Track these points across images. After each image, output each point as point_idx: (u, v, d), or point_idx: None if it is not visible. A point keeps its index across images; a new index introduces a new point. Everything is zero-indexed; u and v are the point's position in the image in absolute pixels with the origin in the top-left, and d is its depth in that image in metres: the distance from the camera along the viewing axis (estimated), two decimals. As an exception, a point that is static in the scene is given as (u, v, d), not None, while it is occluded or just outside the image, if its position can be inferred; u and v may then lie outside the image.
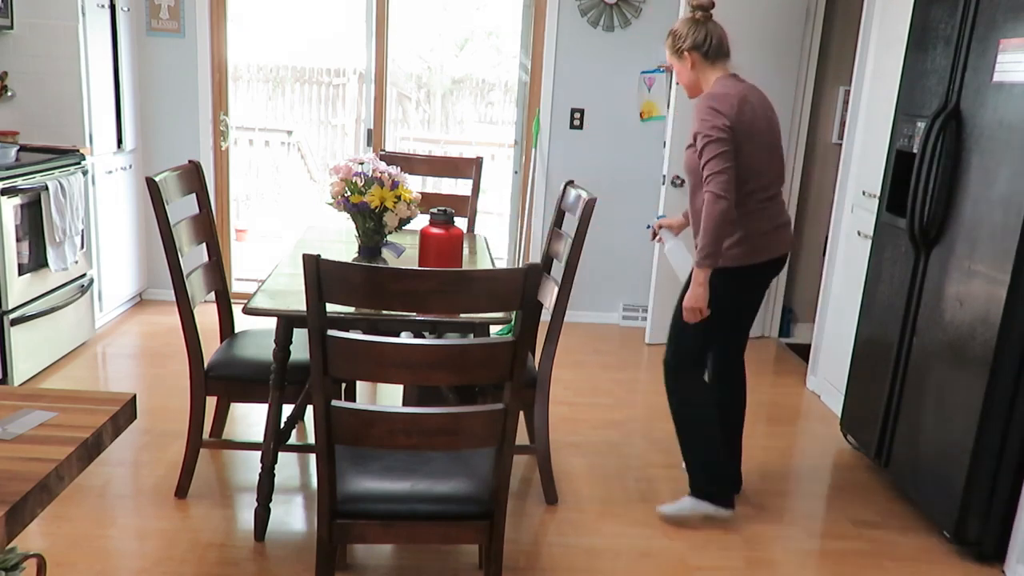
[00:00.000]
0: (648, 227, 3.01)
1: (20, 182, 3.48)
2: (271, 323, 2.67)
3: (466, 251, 3.17)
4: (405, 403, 2.69)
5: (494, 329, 3.63)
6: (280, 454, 2.84)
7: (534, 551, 2.62)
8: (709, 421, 2.79)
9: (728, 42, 2.74)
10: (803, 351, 4.62)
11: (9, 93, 4.05)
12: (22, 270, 3.54)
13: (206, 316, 2.98)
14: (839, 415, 3.62)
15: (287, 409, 2.96)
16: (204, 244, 2.89)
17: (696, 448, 2.81)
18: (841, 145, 4.13)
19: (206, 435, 2.98)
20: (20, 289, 3.54)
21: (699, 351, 2.78)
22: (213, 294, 2.91)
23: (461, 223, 2.94)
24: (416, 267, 2.65)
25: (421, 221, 3.03)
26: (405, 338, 1.82)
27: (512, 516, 2.77)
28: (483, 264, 3.06)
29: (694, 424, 2.79)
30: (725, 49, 2.73)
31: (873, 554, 2.73)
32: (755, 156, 2.61)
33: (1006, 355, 2.54)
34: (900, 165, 3.15)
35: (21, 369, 3.57)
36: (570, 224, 2.80)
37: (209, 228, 2.89)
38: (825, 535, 2.85)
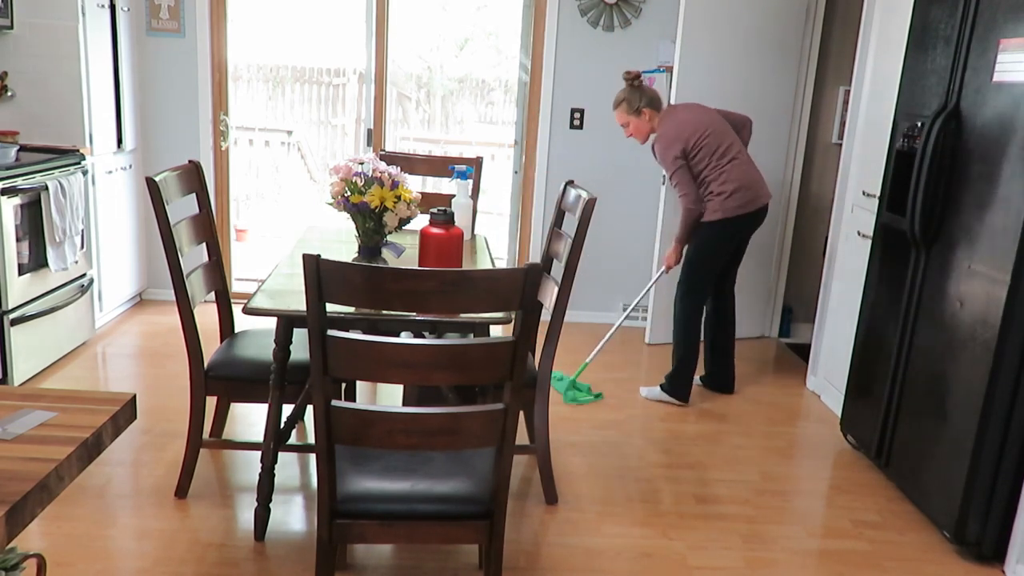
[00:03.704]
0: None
1: (20, 182, 3.48)
2: (271, 323, 2.67)
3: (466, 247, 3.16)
4: (405, 403, 2.69)
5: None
6: (280, 454, 2.84)
7: (534, 551, 2.62)
8: (694, 342, 3.78)
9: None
10: (803, 351, 4.62)
11: (9, 93, 4.05)
12: (22, 270, 3.54)
13: (206, 316, 2.98)
14: (839, 415, 3.62)
15: (287, 409, 2.96)
16: (204, 244, 2.89)
17: (681, 358, 3.79)
18: (841, 145, 4.13)
19: (206, 435, 2.98)
20: (20, 289, 3.54)
21: (700, 287, 3.76)
22: (213, 294, 2.91)
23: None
24: (416, 267, 2.65)
25: (421, 221, 3.03)
26: (405, 338, 1.82)
27: (512, 516, 2.77)
28: (483, 264, 3.06)
29: (684, 340, 3.77)
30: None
31: (873, 554, 2.73)
32: None
33: (1006, 355, 2.54)
34: (900, 165, 3.15)
35: (21, 369, 3.57)
36: (570, 224, 2.80)
37: (209, 228, 2.89)
38: (825, 535, 2.85)
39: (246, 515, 2.71)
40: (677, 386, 3.82)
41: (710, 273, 3.75)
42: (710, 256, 3.71)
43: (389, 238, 2.80)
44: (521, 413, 2.96)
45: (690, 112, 3.71)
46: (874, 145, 3.62)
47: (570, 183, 3.06)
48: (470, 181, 3.38)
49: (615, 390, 4.01)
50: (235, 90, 6.77)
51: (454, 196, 3.32)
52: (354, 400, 3.14)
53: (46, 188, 3.60)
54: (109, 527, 2.60)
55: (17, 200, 3.47)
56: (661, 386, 3.86)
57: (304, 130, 8.32)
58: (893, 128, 3.25)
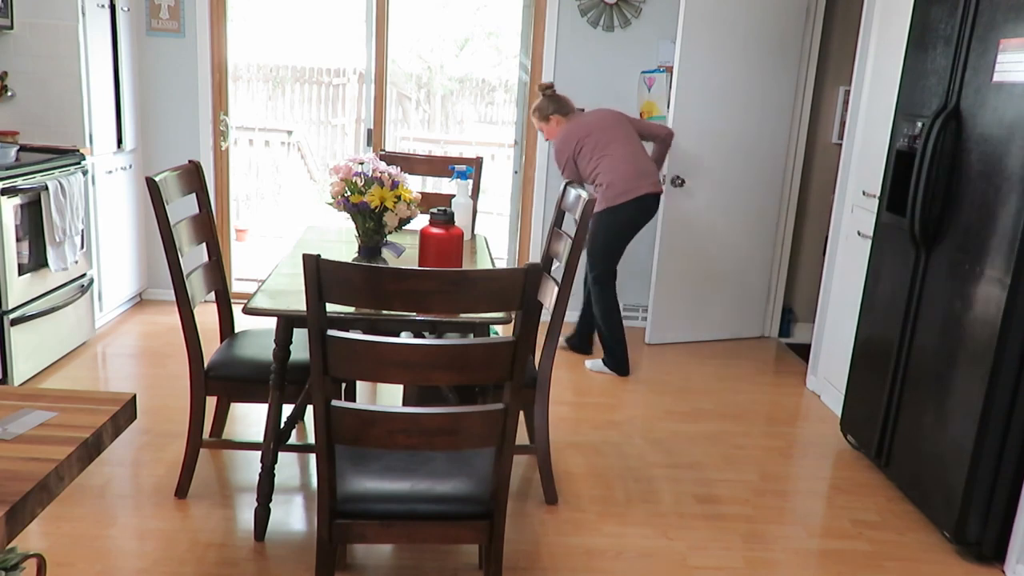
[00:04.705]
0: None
1: (20, 182, 3.48)
2: (271, 323, 2.67)
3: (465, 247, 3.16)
4: (405, 403, 2.69)
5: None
6: (280, 454, 2.84)
7: (534, 551, 2.62)
8: (616, 320, 4.19)
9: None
10: (803, 351, 4.62)
11: (9, 93, 4.05)
12: (22, 270, 3.54)
13: (206, 316, 2.98)
14: (839, 415, 3.62)
15: (287, 409, 2.96)
16: (204, 244, 2.89)
17: (608, 336, 4.18)
18: (841, 145, 4.13)
19: (206, 435, 2.98)
20: (20, 289, 3.54)
21: (605, 270, 4.14)
22: (213, 294, 2.91)
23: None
24: (416, 267, 2.66)
25: (421, 221, 3.03)
26: (405, 338, 1.82)
27: (512, 516, 2.77)
28: (483, 264, 3.06)
29: (605, 321, 4.17)
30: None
31: (873, 554, 2.73)
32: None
33: (1006, 355, 2.54)
34: (900, 165, 3.15)
35: (21, 369, 3.57)
36: (570, 224, 2.80)
37: (209, 228, 2.89)
38: (825, 535, 2.85)
39: (246, 515, 2.71)
40: (617, 362, 4.20)
41: (612, 257, 4.14)
42: (608, 241, 4.09)
43: (389, 238, 2.80)
44: (521, 413, 2.97)
45: (584, 118, 4.11)
46: (874, 145, 3.62)
47: (570, 183, 3.06)
48: (470, 181, 3.38)
49: (615, 390, 4.01)
50: (235, 90, 6.78)
51: (454, 196, 3.32)
52: (354, 400, 3.14)
53: (46, 188, 3.60)
54: (109, 527, 2.60)
55: (17, 200, 3.47)
56: (603, 360, 4.24)
57: (304, 130, 8.32)
58: (893, 128, 3.25)
